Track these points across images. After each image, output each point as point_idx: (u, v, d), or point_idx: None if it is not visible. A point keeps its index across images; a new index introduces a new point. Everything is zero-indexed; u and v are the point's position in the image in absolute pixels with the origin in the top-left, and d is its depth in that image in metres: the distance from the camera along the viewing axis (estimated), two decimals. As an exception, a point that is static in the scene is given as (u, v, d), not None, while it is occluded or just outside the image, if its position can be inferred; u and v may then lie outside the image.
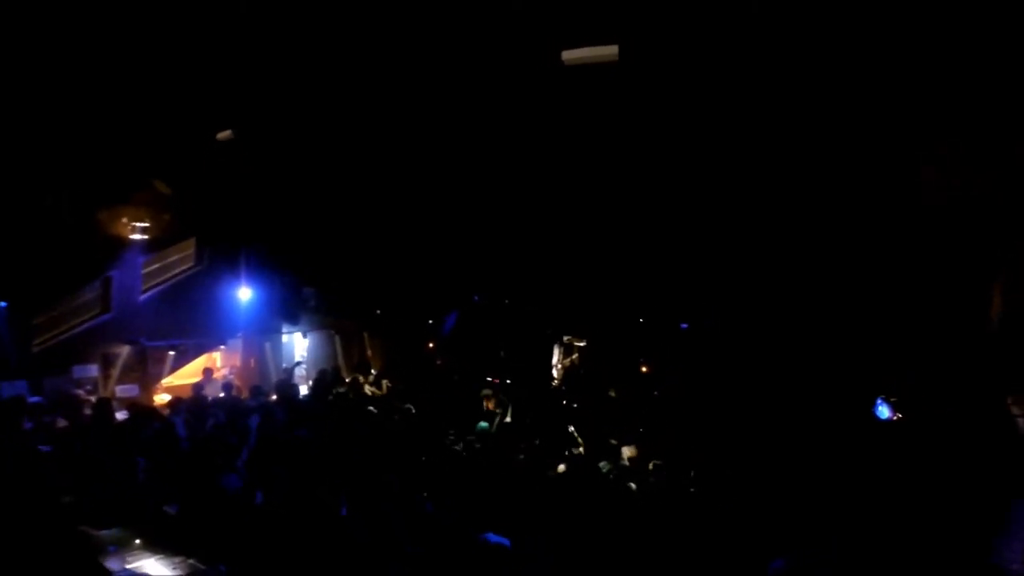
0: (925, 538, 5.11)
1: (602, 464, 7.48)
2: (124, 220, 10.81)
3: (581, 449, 7.45)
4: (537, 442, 7.67)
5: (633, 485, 6.69)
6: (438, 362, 13.34)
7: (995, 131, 5.35)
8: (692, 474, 7.21)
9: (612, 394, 10.63)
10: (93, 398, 7.96)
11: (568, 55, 5.86)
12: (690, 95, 6.22)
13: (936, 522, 5.21)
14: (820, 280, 6.63)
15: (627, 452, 8.29)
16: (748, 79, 5.67)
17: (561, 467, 7.29)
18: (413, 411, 8.85)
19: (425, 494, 5.42)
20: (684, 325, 9.93)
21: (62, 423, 6.19)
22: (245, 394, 10.55)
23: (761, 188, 6.67)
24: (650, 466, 7.40)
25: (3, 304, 8.90)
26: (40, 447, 5.19)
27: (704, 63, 5.71)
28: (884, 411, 6.12)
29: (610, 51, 5.73)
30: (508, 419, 11.02)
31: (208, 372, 10.97)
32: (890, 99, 5.48)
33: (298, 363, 12.21)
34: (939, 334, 5.68)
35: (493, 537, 4.45)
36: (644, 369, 11.33)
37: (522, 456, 7.32)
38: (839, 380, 6.54)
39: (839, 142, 5.90)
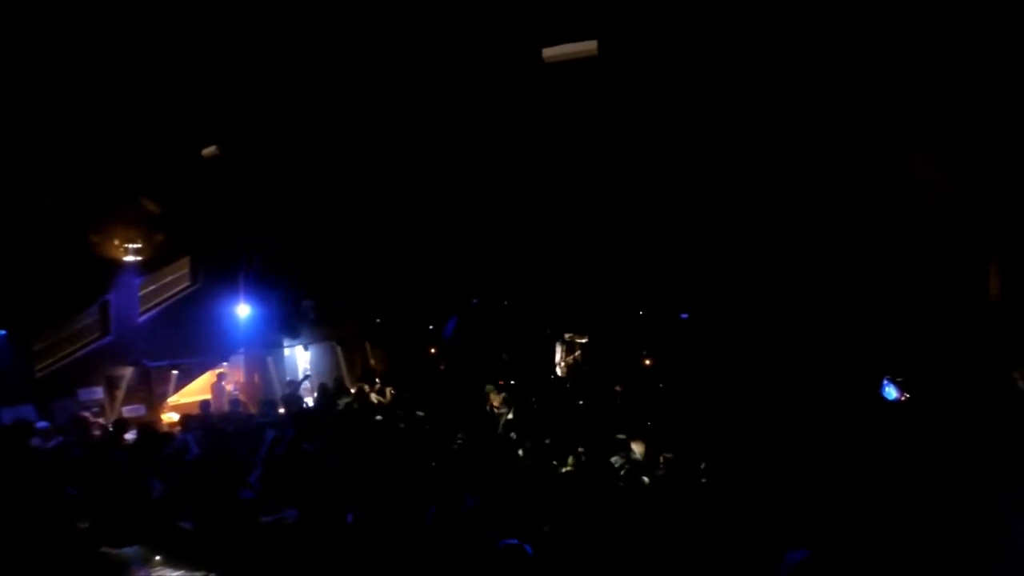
0: (938, 522, 5.16)
1: (614, 459, 7.51)
2: (117, 243, 10.78)
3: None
4: (547, 441, 7.67)
5: (646, 479, 6.72)
6: (440, 367, 13.35)
7: (980, 145, 5.45)
8: (703, 466, 7.25)
9: (617, 389, 10.66)
10: (101, 420, 7.96)
11: (548, 52, 5.89)
12: (683, 87, 6.26)
13: (948, 505, 5.26)
14: (824, 265, 6.67)
15: (637, 447, 8.33)
16: (743, 70, 5.73)
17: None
18: (422, 417, 8.84)
19: (435, 500, 5.43)
20: (684, 315, 9.96)
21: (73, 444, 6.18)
22: (252, 409, 10.56)
23: (762, 175, 6.71)
24: (661, 460, 7.44)
25: (2, 332, 8.88)
26: (54, 470, 5.19)
27: (698, 55, 5.76)
28: (891, 392, 6.14)
29: (589, 46, 5.76)
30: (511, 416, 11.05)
31: (220, 383, 10.98)
32: (886, 99, 5.55)
33: (306, 376, 12.21)
34: (942, 314, 5.74)
35: (512, 542, 4.46)
36: (647, 362, 11.37)
37: (529, 456, 7.34)
38: (845, 362, 6.58)
39: (837, 133, 5.96)
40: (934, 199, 5.60)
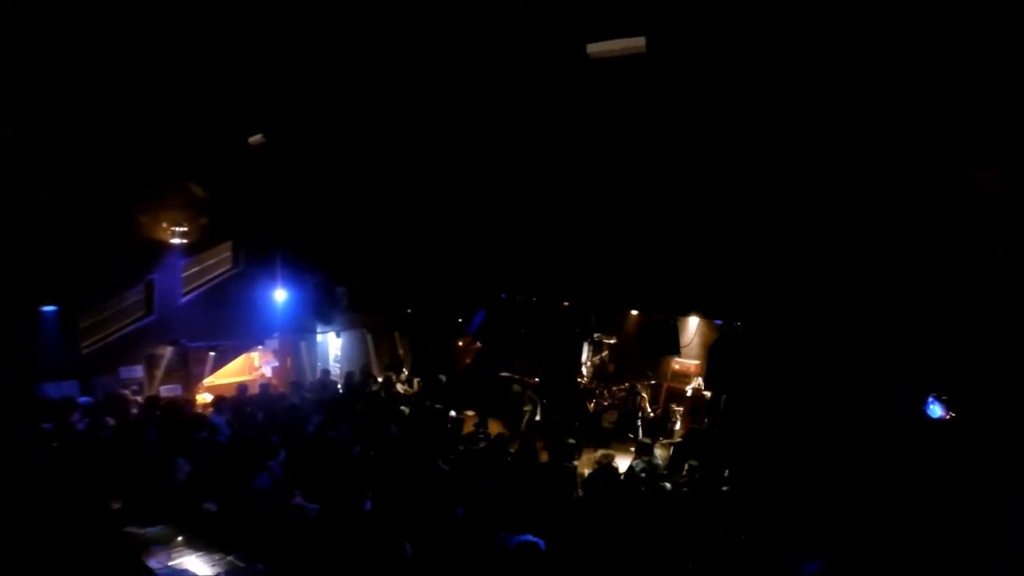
0: (970, 539, 4.95)
1: (635, 463, 7.41)
2: (164, 225, 11.16)
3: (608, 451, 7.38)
4: (572, 440, 7.60)
5: (668, 485, 6.59)
6: (467, 361, 13.41)
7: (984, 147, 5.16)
8: (726, 474, 7.08)
9: (643, 394, 10.51)
10: (139, 398, 8.27)
11: (593, 48, 5.76)
12: (718, 88, 6.05)
13: (984, 523, 5.04)
14: (864, 274, 6.38)
15: (660, 452, 8.19)
16: (778, 68, 5.51)
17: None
18: (445, 411, 8.87)
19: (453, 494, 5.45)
20: (719, 321, 9.68)
21: (110, 422, 6.42)
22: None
23: (806, 180, 6.46)
24: (686, 467, 7.29)
25: (53, 308, 9.27)
26: (89, 447, 5.41)
27: (729, 56, 5.56)
28: (936, 409, 5.83)
29: (637, 43, 5.60)
30: (538, 417, 11.05)
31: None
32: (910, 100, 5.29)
33: (336, 363, 12.40)
34: (988, 328, 5.43)
35: (527, 538, 4.44)
36: (676, 367, 11.15)
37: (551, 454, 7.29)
38: (887, 375, 6.30)
39: (879, 135, 5.68)
40: (984, 207, 5.29)
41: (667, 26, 5.54)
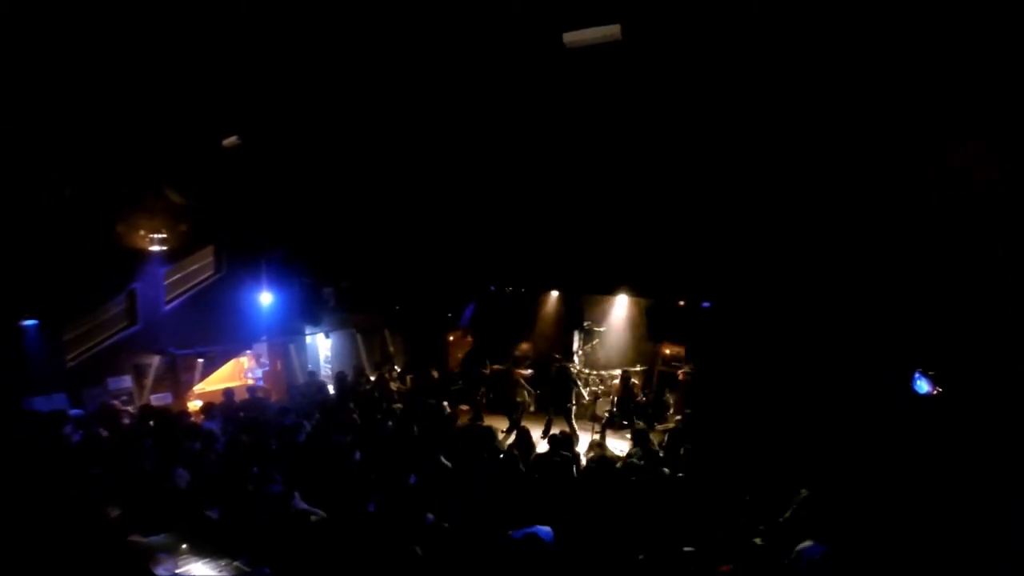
0: (951, 521, 5.06)
1: (633, 450, 7.49)
2: (142, 233, 10.96)
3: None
4: (561, 432, 7.67)
5: (666, 470, 6.68)
6: (459, 355, 13.42)
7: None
8: (721, 458, 7.18)
9: (635, 381, 10.61)
10: (130, 408, 8.15)
11: (569, 37, 5.76)
12: (699, 73, 6.09)
13: (963, 505, 5.15)
14: (855, 252, 6.47)
15: (655, 437, 8.29)
16: (758, 52, 5.54)
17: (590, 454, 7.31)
18: (441, 406, 8.87)
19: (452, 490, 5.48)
20: (706, 304, 9.77)
21: (104, 433, 6.33)
22: (274, 396, 10.74)
23: (791, 161, 6.52)
24: (681, 451, 7.39)
25: (34, 322, 9.10)
26: (86, 458, 5.33)
27: (712, 43, 5.59)
28: (923, 385, 5.94)
29: (612, 31, 5.61)
30: (532, 408, 11.12)
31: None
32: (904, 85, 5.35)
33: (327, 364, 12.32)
34: (989, 328, 5.52)
35: (532, 530, 4.49)
36: (667, 352, 11.26)
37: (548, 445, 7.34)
38: (874, 354, 6.41)
39: (871, 120, 5.74)
40: (974, 188, 5.38)
41: (644, 13, 5.55)
